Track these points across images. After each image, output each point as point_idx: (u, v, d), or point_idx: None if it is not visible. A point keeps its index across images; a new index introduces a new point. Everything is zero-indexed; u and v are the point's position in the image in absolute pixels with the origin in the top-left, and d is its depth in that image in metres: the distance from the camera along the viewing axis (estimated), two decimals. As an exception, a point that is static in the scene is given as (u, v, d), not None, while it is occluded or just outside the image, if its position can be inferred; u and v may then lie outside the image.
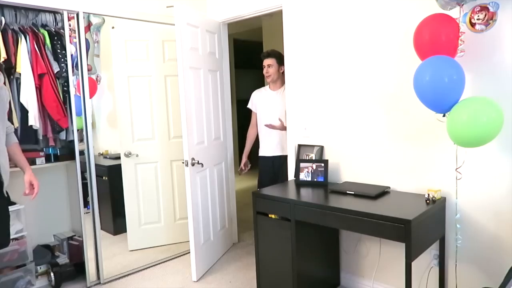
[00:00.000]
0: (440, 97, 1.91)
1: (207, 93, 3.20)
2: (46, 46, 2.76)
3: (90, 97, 3.00)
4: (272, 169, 3.29)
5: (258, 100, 3.39)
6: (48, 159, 2.87)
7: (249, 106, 3.49)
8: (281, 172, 3.20)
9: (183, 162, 2.92)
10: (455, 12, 2.04)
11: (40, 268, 2.92)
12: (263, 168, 3.36)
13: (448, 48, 1.97)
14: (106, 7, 2.97)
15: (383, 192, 2.42)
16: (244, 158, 3.54)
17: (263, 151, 3.34)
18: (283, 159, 3.19)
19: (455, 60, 1.94)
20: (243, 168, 3.51)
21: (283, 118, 3.14)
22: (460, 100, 1.93)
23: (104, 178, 3.76)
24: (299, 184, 2.77)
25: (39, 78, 2.68)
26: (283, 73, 3.21)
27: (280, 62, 3.21)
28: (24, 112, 2.66)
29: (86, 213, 2.95)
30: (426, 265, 2.41)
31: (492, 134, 1.82)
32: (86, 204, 2.93)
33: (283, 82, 3.22)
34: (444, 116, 2.01)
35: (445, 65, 1.89)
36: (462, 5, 2.00)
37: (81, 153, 2.90)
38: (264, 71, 3.28)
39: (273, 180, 3.19)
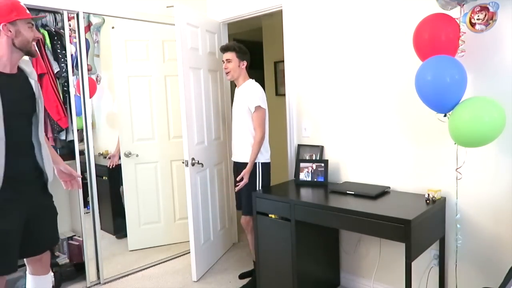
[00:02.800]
0: (442, 97, 1.91)
1: (207, 93, 3.20)
2: (46, 46, 2.76)
3: (90, 97, 3.00)
4: None
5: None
6: (48, 159, 2.87)
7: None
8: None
9: (183, 162, 2.92)
10: (455, 12, 2.03)
11: (40, 268, 2.91)
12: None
13: (448, 48, 1.97)
14: (106, 7, 2.97)
15: (383, 192, 2.42)
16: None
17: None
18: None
19: (457, 59, 1.94)
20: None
21: (246, 116, 2.73)
22: (461, 100, 1.93)
23: (104, 178, 3.76)
24: (299, 184, 2.77)
25: (39, 78, 2.65)
26: (246, 68, 2.81)
27: (241, 56, 2.77)
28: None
29: (86, 213, 2.95)
30: (426, 265, 2.41)
31: (494, 134, 1.82)
32: (86, 204, 2.94)
33: (245, 78, 2.82)
34: (445, 116, 2.01)
35: (447, 65, 1.89)
36: (463, 5, 2.00)
37: (81, 153, 2.90)
38: (223, 66, 2.82)
39: None
